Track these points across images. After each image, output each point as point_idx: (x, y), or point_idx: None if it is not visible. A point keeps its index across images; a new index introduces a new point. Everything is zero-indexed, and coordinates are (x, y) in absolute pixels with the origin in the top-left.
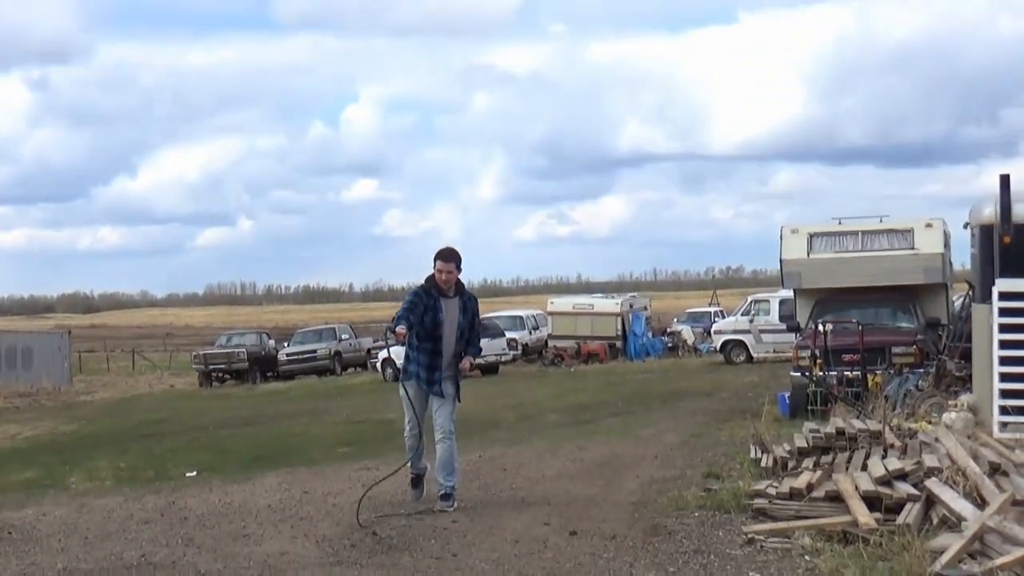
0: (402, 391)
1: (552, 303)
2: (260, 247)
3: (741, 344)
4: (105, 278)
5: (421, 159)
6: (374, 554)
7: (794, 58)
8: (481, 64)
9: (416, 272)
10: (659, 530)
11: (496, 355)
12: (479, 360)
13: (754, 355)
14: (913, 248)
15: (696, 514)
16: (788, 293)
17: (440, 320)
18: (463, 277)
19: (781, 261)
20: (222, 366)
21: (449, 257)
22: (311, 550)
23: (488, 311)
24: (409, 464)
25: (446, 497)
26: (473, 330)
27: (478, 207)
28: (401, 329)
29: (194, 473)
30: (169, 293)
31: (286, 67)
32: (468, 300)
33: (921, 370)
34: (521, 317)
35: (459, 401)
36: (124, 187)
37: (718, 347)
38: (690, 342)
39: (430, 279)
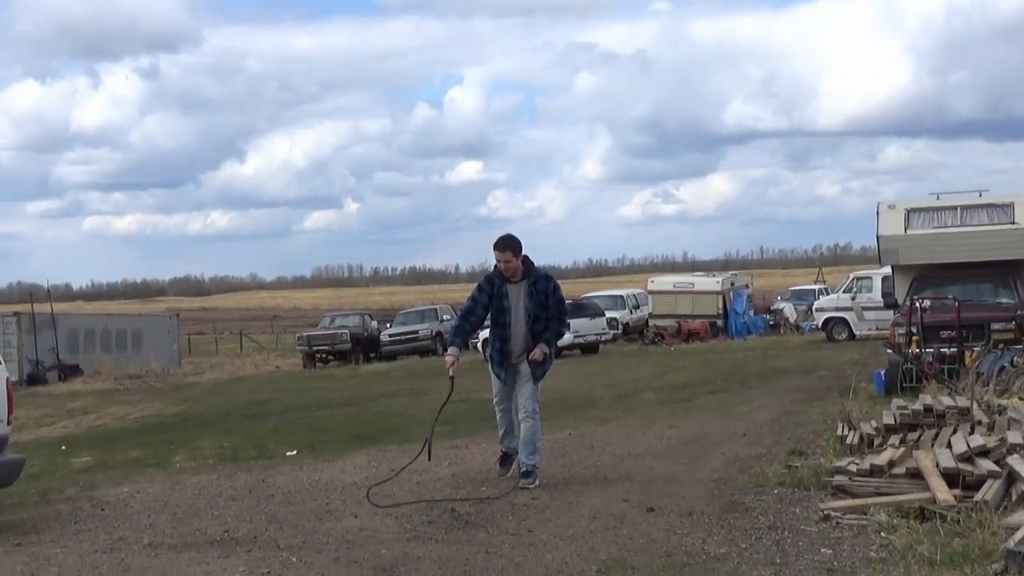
0: (490, 371)
1: (652, 282)
2: (366, 229)
3: (843, 322)
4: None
5: (525, 140)
6: (451, 530)
7: (902, 30)
8: (584, 43)
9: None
10: (736, 507)
11: (596, 334)
12: (578, 339)
13: (856, 332)
14: (1014, 223)
15: (775, 491)
16: (889, 270)
17: (506, 307)
18: (544, 260)
19: (878, 238)
20: (325, 347)
21: (503, 246)
22: (390, 526)
23: (592, 291)
24: (499, 441)
25: (527, 475)
26: (549, 312)
27: (582, 186)
28: (451, 355)
29: (294, 452)
30: (278, 276)
31: (390, 50)
32: (536, 283)
33: (1019, 347)
34: (622, 296)
35: (540, 379)
36: (233, 172)
37: (820, 325)
38: (792, 320)
39: (495, 268)
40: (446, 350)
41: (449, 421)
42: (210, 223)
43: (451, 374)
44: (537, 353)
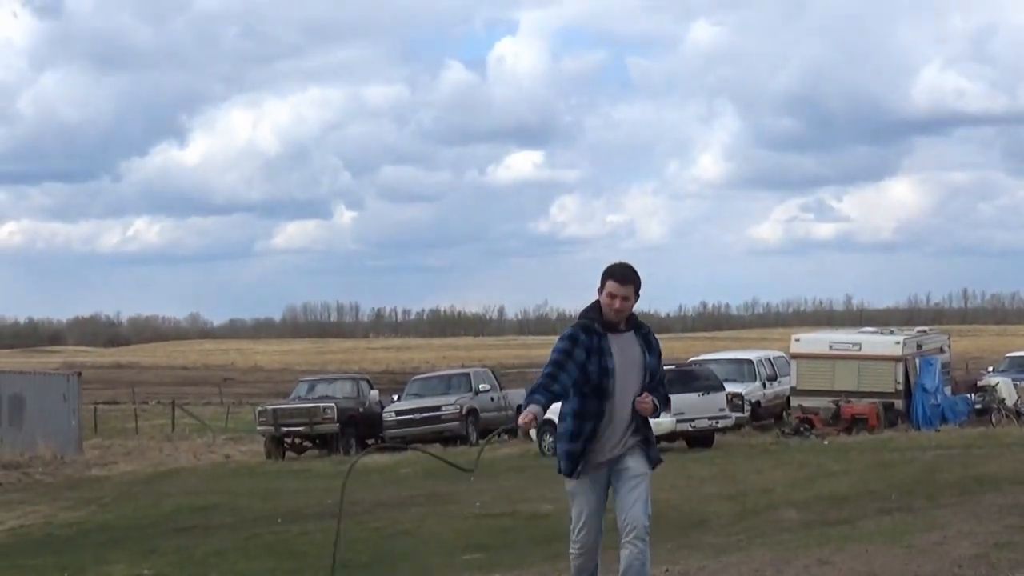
0: (568, 484)
1: (797, 340)
2: (366, 252)
3: None
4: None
5: (608, 121)
6: None
7: None
8: None
9: (596, 293)
10: None
11: (710, 419)
12: (683, 425)
13: None
14: None
15: None
16: None
17: (610, 367)
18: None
19: None
20: (300, 428)
21: (626, 277)
22: None
23: (705, 352)
24: None
25: None
26: (657, 380)
27: (694, 193)
28: (528, 415)
29: None
30: (231, 319)
31: None
32: (649, 334)
33: None
34: (751, 362)
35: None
36: (168, 160)
37: None
38: (1010, 403)
39: (592, 309)
40: (521, 410)
41: (486, 545)
42: (132, 236)
43: (523, 425)
44: (647, 401)
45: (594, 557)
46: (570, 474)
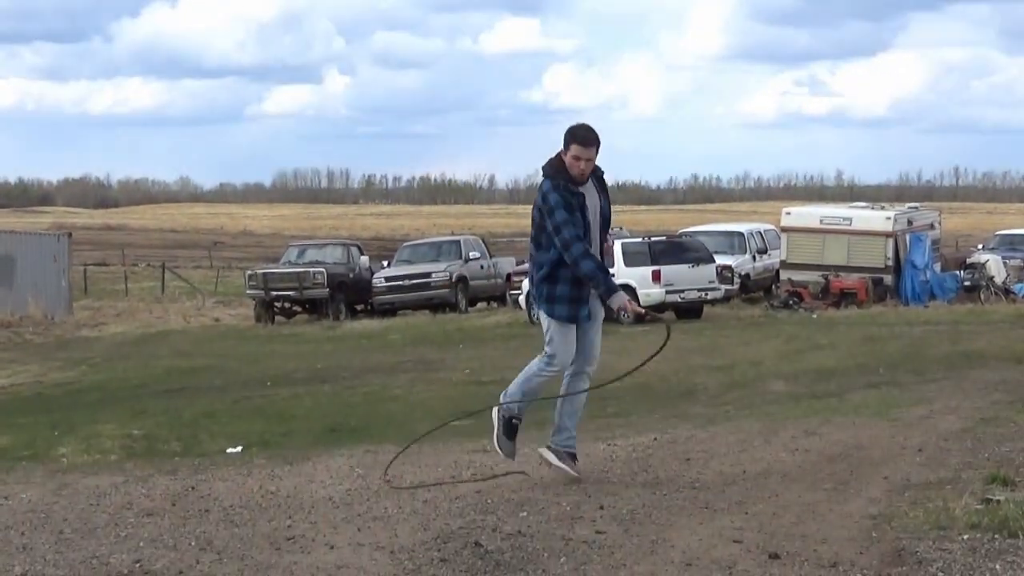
0: (552, 322)
1: (788, 213)
2: (358, 117)
3: None
4: (128, 157)
5: None
6: (473, 573)
7: None
8: None
9: None
10: (904, 557)
11: (700, 291)
12: (673, 296)
13: None
14: None
15: (965, 537)
16: None
17: (588, 222)
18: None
19: None
20: (290, 293)
21: (590, 140)
22: (381, 564)
23: (696, 224)
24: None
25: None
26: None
27: (688, 66)
28: (625, 297)
29: (238, 449)
30: (221, 183)
31: None
32: (600, 173)
33: None
34: (742, 234)
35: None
36: (160, 21)
37: None
38: (999, 280)
39: (560, 170)
40: (605, 293)
41: (473, 411)
42: (123, 98)
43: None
44: (611, 244)
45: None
46: (573, 319)
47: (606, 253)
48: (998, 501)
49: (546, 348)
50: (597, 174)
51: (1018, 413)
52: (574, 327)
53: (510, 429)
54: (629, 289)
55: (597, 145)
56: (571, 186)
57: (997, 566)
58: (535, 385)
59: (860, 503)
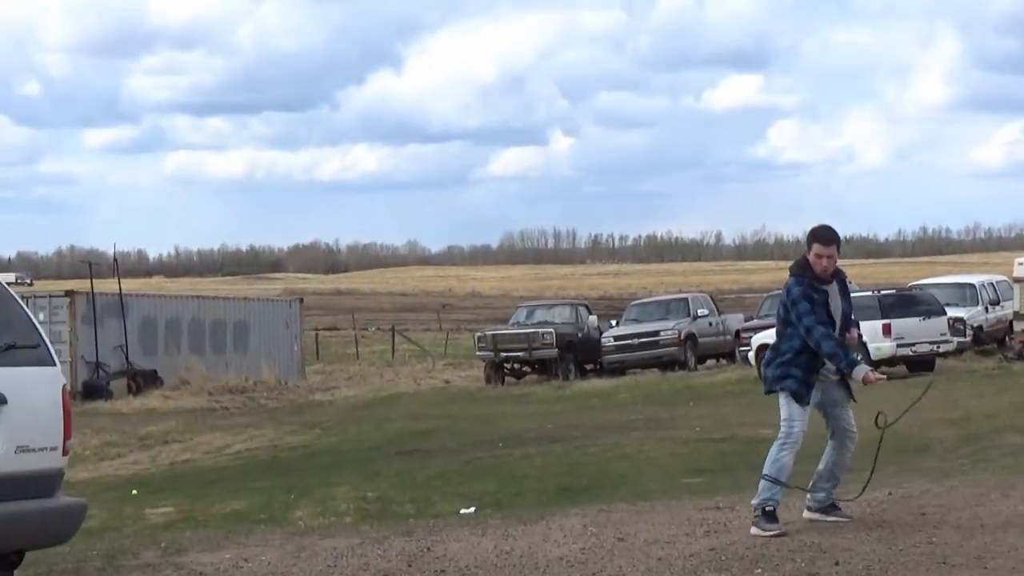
0: (783, 396)
1: (1021, 264)
2: (583, 178)
3: None
4: (356, 223)
5: (827, 45)
6: None
7: None
8: None
9: (818, 217)
10: None
11: (931, 343)
12: (904, 349)
13: None
14: None
15: None
16: None
17: (832, 313)
18: None
19: None
20: (519, 354)
21: (830, 238)
22: None
23: (926, 276)
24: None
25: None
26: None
27: (913, 117)
28: (867, 369)
29: (471, 510)
30: (449, 245)
31: None
32: (844, 280)
33: None
34: (973, 286)
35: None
36: (385, 88)
37: None
38: None
39: (803, 266)
40: (847, 368)
41: (706, 470)
42: (350, 164)
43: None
44: (854, 334)
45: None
46: (799, 397)
47: (850, 344)
48: None
49: (782, 425)
50: (840, 277)
51: None
52: (804, 406)
53: (769, 515)
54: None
55: (837, 243)
56: (815, 283)
57: None
58: (783, 463)
59: None
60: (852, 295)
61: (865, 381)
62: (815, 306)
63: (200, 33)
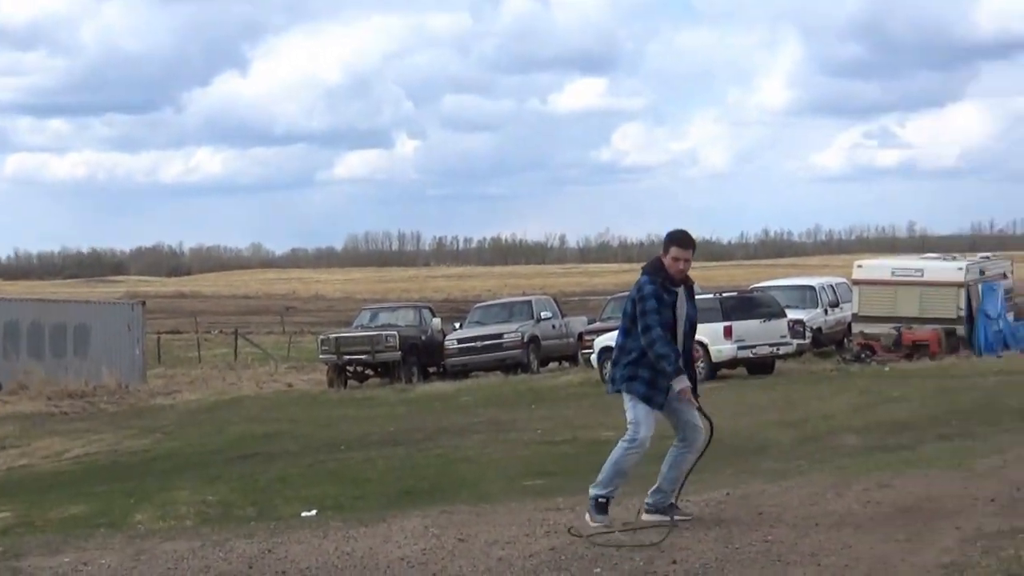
0: (630, 398)
1: (860, 267)
2: (428, 181)
3: None
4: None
5: (671, 48)
6: None
7: None
8: None
9: (662, 220)
10: None
11: (771, 345)
12: (744, 352)
13: None
14: None
15: None
16: None
17: (677, 318)
18: None
19: None
20: (363, 357)
21: (687, 242)
22: None
23: (768, 278)
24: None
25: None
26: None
27: (756, 120)
28: (685, 382)
29: (312, 513)
30: (293, 248)
31: None
32: (691, 283)
33: None
34: (813, 288)
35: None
36: (230, 90)
37: None
38: None
39: (657, 267)
40: (672, 374)
41: (547, 472)
42: (194, 167)
43: (698, 405)
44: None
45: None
46: (649, 400)
47: (693, 359)
48: None
49: (628, 427)
50: (688, 283)
51: None
52: (653, 408)
53: (601, 507)
54: (701, 346)
55: (694, 247)
56: (667, 284)
57: None
58: (624, 467)
59: (932, 553)
60: (696, 297)
61: (680, 394)
62: (662, 307)
63: (41, 33)
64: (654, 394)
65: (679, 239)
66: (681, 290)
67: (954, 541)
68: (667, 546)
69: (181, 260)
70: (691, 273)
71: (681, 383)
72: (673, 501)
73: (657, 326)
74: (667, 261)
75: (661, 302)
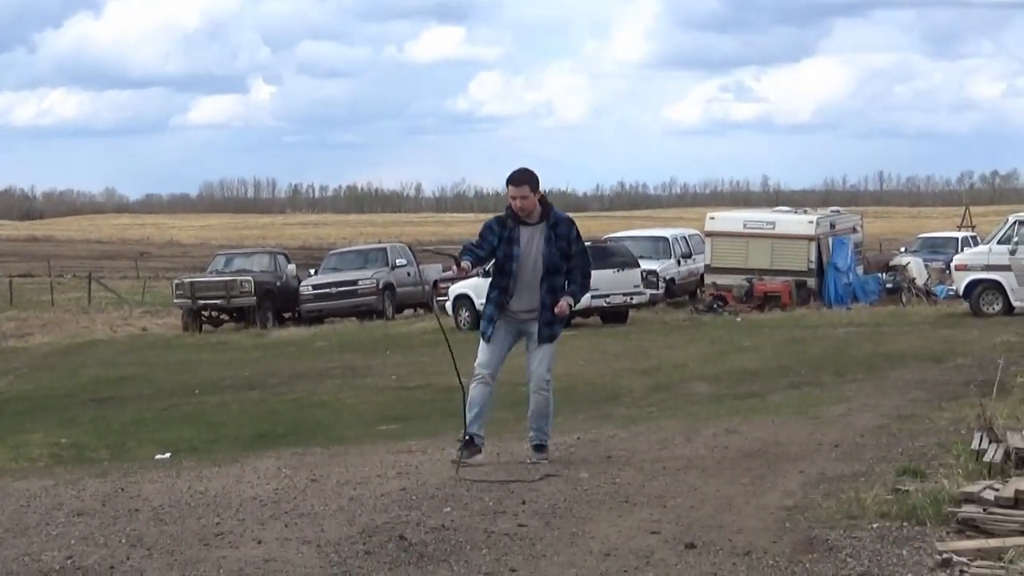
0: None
1: (712, 218)
2: (284, 127)
3: (997, 287)
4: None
5: None
6: (396, 565)
7: None
8: None
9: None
10: (816, 545)
11: (625, 295)
12: (598, 300)
13: (1015, 304)
14: None
15: (875, 525)
16: None
17: (515, 254)
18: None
19: None
20: (217, 301)
21: (519, 180)
22: (308, 557)
23: (622, 230)
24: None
25: (540, 448)
26: (572, 262)
27: (613, 73)
28: (465, 263)
29: (167, 456)
30: (147, 193)
31: None
32: (557, 226)
33: None
34: (666, 239)
35: (555, 343)
36: (83, 32)
37: (961, 290)
38: (920, 282)
39: (509, 206)
40: (457, 264)
41: (401, 417)
42: (46, 109)
43: (454, 274)
44: (563, 305)
45: (488, 389)
46: (484, 333)
47: (559, 314)
48: (907, 491)
49: None
50: (553, 224)
51: (934, 410)
52: (486, 342)
53: (466, 443)
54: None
55: (527, 183)
56: (508, 221)
57: (904, 552)
58: (471, 396)
59: (776, 496)
60: None
61: (459, 267)
62: (488, 234)
63: None
64: (486, 326)
65: (509, 178)
66: (538, 227)
67: (797, 484)
68: (516, 487)
69: (34, 204)
70: None
71: (462, 263)
72: (539, 443)
73: (468, 252)
74: (510, 200)
75: (490, 232)
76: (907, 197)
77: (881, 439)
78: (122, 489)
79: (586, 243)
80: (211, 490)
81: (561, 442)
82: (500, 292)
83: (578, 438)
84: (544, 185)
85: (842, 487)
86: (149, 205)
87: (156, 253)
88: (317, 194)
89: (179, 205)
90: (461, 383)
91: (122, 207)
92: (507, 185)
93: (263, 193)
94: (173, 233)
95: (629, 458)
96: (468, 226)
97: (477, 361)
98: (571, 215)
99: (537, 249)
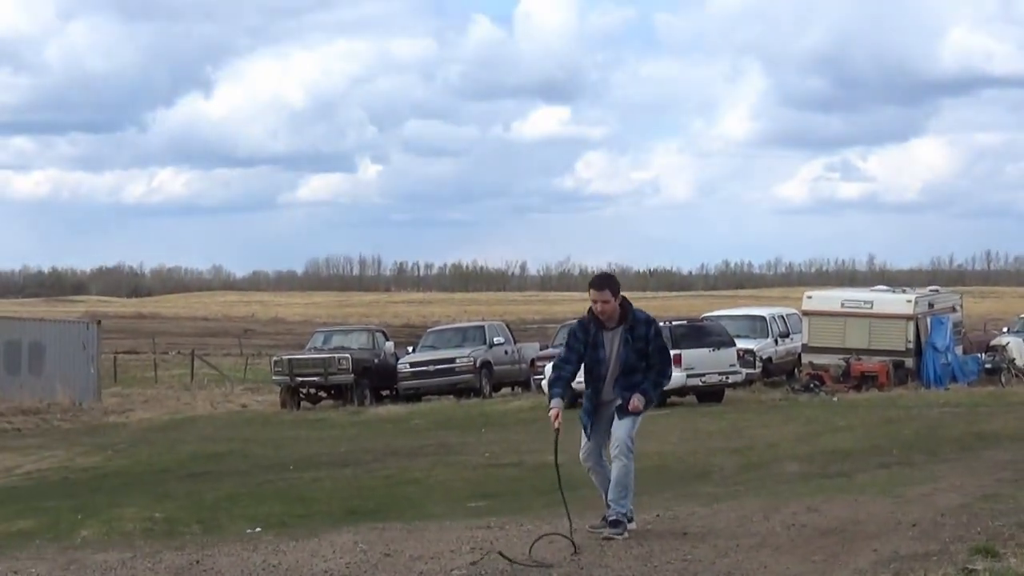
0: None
1: (809, 298)
2: (390, 205)
3: None
4: (161, 246)
5: (635, 78)
6: None
7: None
8: None
9: (623, 249)
10: None
11: (721, 374)
12: (694, 380)
13: None
14: None
15: None
16: None
17: (601, 358)
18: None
19: None
20: (315, 379)
21: (601, 284)
22: None
23: (722, 308)
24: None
25: (615, 524)
26: (651, 360)
27: (719, 152)
28: (554, 408)
29: (258, 530)
30: (253, 271)
31: None
32: (633, 328)
33: None
34: (764, 318)
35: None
36: (194, 111)
37: None
38: (1020, 362)
39: (590, 310)
40: (548, 398)
41: (491, 494)
42: (156, 187)
43: (556, 426)
44: (635, 403)
45: (603, 471)
46: (585, 428)
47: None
48: (975, 571)
49: None
50: (632, 325)
51: (1020, 490)
52: (585, 434)
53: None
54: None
55: (609, 288)
56: (592, 325)
57: None
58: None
59: (844, 573)
60: None
61: (551, 416)
62: (574, 343)
63: (6, 51)
64: (585, 420)
65: (591, 282)
66: (617, 331)
67: (868, 562)
68: (587, 563)
69: (142, 280)
70: (652, 304)
71: (553, 408)
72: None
73: (559, 361)
74: (591, 304)
75: (575, 339)
76: (1015, 277)
77: (961, 518)
78: (197, 562)
79: (683, 322)
80: (284, 564)
81: (640, 519)
82: (593, 392)
83: (658, 515)
84: (649, 263)
85: (913, 566)
86: (256, 282)
87: (260, 330)
88: (422, 272)
89: (285, 282)
90: (558, 471)
91: (229, 284)
92: (589, 289)
93: (368, 271)
94: (278, 310)
95: (704, 535)
96: (572, 304)
97: (581, 456)
98: (676, 294)
99: (617, 352)
